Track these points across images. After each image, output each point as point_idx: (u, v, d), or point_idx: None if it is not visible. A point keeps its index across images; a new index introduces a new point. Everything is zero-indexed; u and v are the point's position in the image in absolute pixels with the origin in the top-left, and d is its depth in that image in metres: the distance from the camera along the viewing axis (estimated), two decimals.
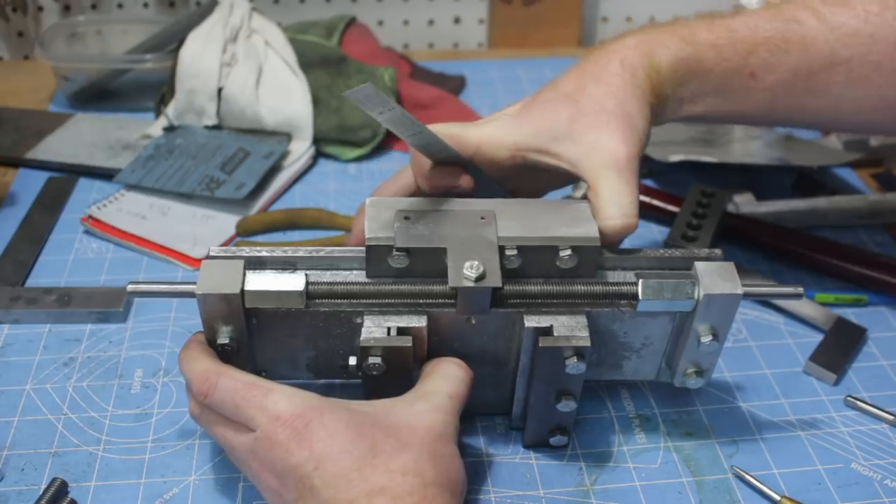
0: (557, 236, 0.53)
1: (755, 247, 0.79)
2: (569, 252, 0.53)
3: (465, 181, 0.57)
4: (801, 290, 0.55)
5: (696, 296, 0.53)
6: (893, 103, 0.60)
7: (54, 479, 0.55)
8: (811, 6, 0.59)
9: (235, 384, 0.49)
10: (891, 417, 0.62)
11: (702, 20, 0.60)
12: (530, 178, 0.60)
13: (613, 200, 0.54)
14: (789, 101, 0.60)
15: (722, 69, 0.58)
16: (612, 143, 0.54)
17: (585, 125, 0.55)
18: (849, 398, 0.64)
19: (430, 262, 0.53)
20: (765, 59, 0.58)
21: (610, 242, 0.55)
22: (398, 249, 0.52)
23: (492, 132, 0.57)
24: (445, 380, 0.52)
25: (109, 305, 0.69)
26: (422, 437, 0.47)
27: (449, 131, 0.56)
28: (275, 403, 0.47)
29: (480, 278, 0.51)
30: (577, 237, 0.53)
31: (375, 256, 0.53)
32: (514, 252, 0.53)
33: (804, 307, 0.71)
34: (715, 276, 0.53)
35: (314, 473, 0.45)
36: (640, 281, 0.53)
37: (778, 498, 0.56)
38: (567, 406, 0.55)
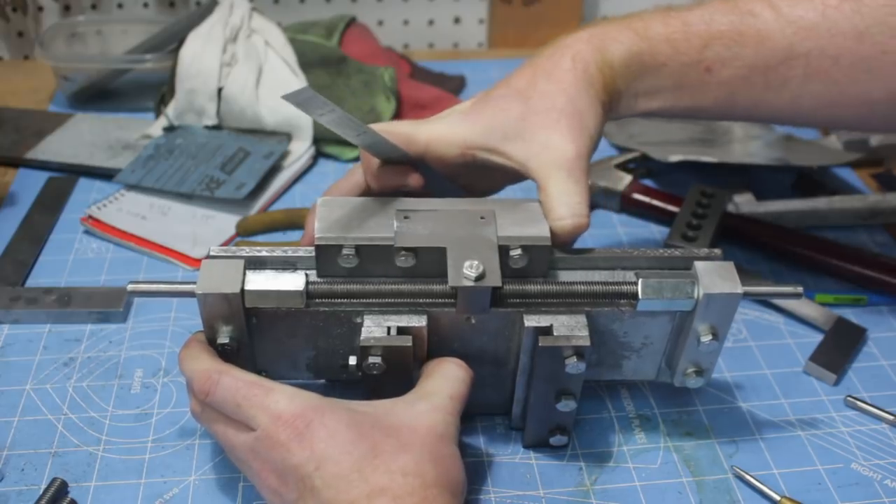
0: (507, 235, 0.53)
1: (755, 247, 0.79)
2: (519, 251, 0.53)
3: (414, 179, 0.57)
4: (800, 289, 0.55)
5: (695, 295, 0.53)
6: (853, 98, 0.59)
7: (54, 479, 0.55)
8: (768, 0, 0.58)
9: (237, 383, 0.49)
10: (891, 417, 0.62)
11: (657, 14, 0.59)
12: (482, 175, 0.60)
13: (563, 200, 0.53)
14: (747, 96, 0.59)
15: (677, 63, 0.58)
16: (561, 142, 0.54)
17: (536, 124, 0.55)
18: (849, 398, 0.64)
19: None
20: (720, 54, 0.58)
21: (562, 242, 0.55)
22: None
23: (441, 130, 0.57)
24: (446, 380, 0.52)
25: (109, 305, 0.69)
26: (423, 438, 0.47)
27: (397, 130, 0.56)
28: (276, 403, 0.47)
29: (480, 278, 0.51)
30: (527, 237, 0.53)
31: (324, 256, 0.53)
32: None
33: (804, 307, 0.71)
34: (714, 276, 0.53)
35: (315, 474, 0.45)
36: (640, 280, 0.53)
37: (778, 498, 0.56)
38: (567, 406, 0.55)
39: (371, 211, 0.55)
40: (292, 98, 0.45)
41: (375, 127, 0.54)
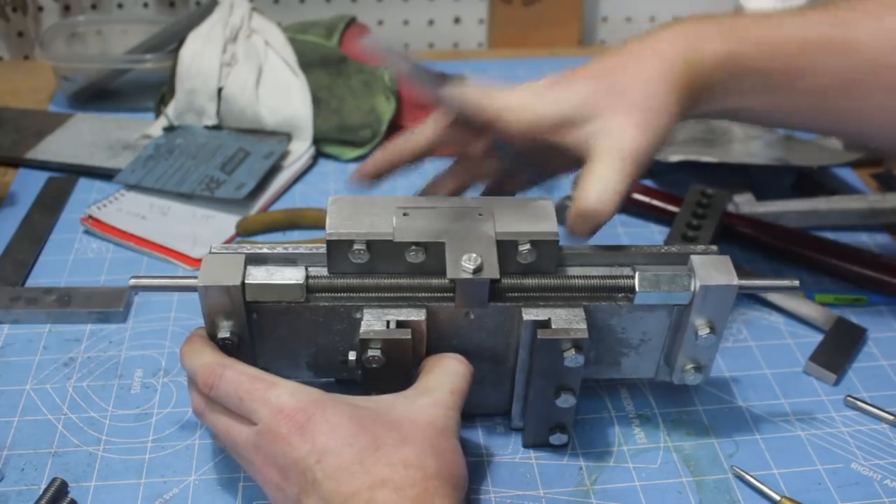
0: (516, 231, 0.54)
1: (755, 247, 0.79)
2: (528, 246, 0.53)
3: (479, 144, 0.56)
4: (796, 282, 0.55)
5: (692, 288, 0.53)
6: None
7: (54, 479, 0.55)
8: (865, 9, 0.58)
9: (240, 377, 0.49)
10: (891, 417, 0.62)
11: (749, 17, 0.59)
12: (547, 155, 0.60)
13: (596, 184, 0.53)
14: (836, 105, 0.58)
15: (767, 67, 0.57)
16: (624, 132, 0.53)
17: (606, 109, 0.54)
18: (849, 398, 0.64)
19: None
20: (812, 61, 0.57)
21: (575, 226, 0.54)
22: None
23: (512, 102, 0.56)
24: (446, 375, 0.52)
25: (109, 305, 0.69)
26: (424, 432, 0.47)
27: (471, 94, 0.56)
28: (277, 397, 0.47)
29: (478, 270, 0.51)
30: (536, 231, 0.54)
31: (336, 252, 0.53)
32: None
33: (804, 307, 0.71)
34: (710, 269, 0.54)
35: (316, 467, 0.45)
36: (637, 273, 0.54)
37: (778, 498, 0.56)
38: (566, 402, 0.55)
39: (381, 208, 0.55)
40: (370, 41, 0.46)
41: (454, 88, 0.54)
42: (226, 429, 0.50)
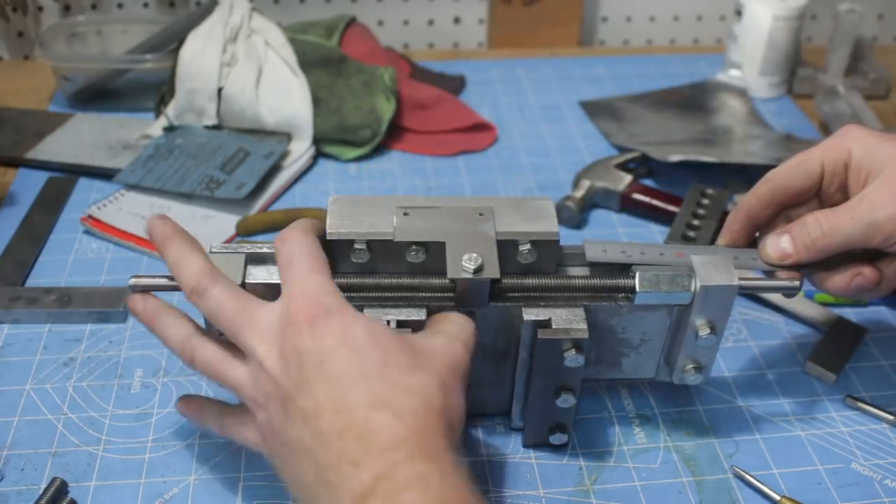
0: (517, 231, 0.54)
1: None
2: (528, 246, 0.53)
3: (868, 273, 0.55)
4: (796, 283, 0.55)
5: (692, 288, 0.53)
6: None
7: (54, 479, 0.55)
8: None
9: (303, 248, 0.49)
10: (891, 417, 0.62)
11: None
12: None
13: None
14: None
15: None
16: None
17: None
18: (849, 398, 0.64)
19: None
20: None
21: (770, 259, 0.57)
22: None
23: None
24: (457, 325, 0.51)
25: (109, 305, 0.69)
26: (435, 365, 0.46)
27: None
28: (306, 285, 0.47)
29: (479, 270, 0.51)
30: (536, 231, 0.54)
31: (337, 251, 0.53)
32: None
33: (804, 307, 0.71)
34: (711, 269, 0.53)
35: (318, 366, 0.44)
36: (637, 273, 0.54)
37: (778, 498, 0.56)
38: (566, 402, 0.55)
39: (382, 208, 0.55)
40: None
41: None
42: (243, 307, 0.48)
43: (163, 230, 0.52)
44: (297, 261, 0.48)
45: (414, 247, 0.53)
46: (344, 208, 0.55)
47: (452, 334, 0.50)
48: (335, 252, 0.53)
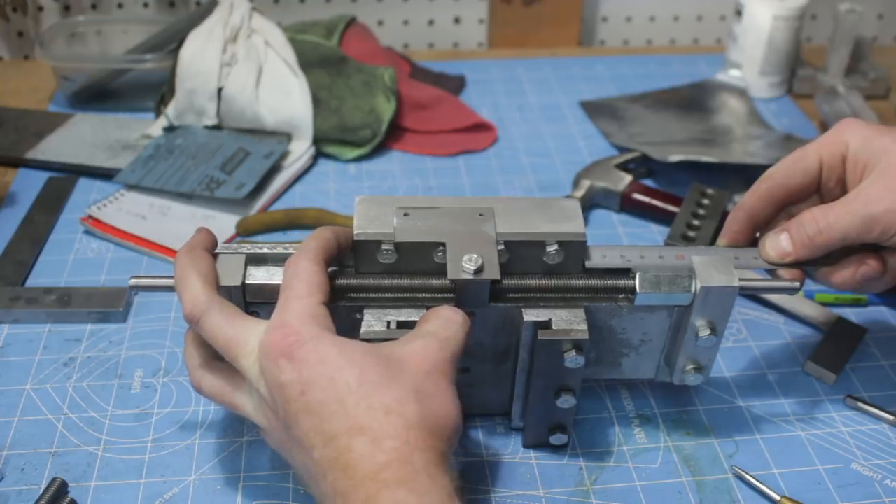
0: (544, 231, 0.54)
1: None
2: (555, 247, 0.53)
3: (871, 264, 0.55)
4: (797, 283, 0.55)
5: (692, 289, 0.53)
6: None
7: (54, 479, 0.55)
8: None
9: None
10: (891, 417, 0.62)
11: None
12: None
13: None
14: None
15: None
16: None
17: None
18: (849, 398, 0.64)
19: (429, 257, 0.53)
20: None
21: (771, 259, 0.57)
22: (398, 244, 0.52)
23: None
24: (439, 320, 0.51)
25: (109, 305, 0.69)
26: (410, 373, 0.46)
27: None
28: (285, 313, 0.48)
29: (479, 271, 0.51)
30: (563, 232, 0.53)
31: (363, 252, 0.53)
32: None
33: (804, 307, 0.71)
34: (711, 269, 0.53)
35: (300, 399, 0.45)
36: (638, 274, 0.54)
37: (778, 498, 0.56)
38: (566, 402, 0.55)
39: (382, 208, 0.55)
40: None
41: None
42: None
43: (181, 248, 0.53)
44: (288, 285, 0.49)
45: (441, 248, 0.53)
46: (370, 209, 0.55)
47: (431, 333, 0.49)
48: (362, 252, 0.53)
